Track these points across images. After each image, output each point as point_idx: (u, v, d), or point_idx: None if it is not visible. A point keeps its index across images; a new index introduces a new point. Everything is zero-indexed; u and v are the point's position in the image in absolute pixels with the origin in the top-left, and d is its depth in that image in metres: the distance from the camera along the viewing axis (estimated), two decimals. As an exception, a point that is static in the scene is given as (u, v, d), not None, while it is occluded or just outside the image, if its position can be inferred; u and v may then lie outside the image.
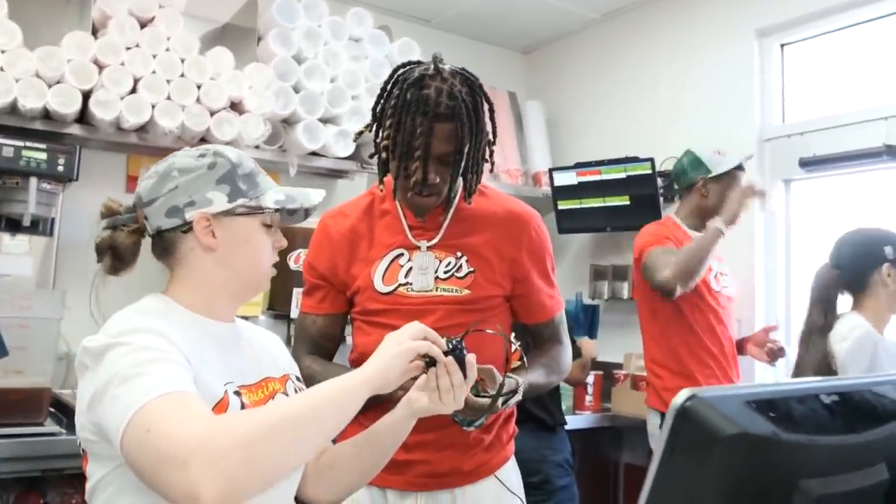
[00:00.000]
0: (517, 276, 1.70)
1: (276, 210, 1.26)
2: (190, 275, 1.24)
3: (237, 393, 1.19)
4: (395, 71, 1.61)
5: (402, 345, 1.18)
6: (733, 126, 3.54)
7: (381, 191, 1.71)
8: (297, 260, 3.21)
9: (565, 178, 3.98)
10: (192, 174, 1.22)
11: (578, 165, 3.95)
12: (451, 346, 1.39)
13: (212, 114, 3.04)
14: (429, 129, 1.51)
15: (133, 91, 2.92)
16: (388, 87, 1.60)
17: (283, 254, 3.25)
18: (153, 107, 2.93)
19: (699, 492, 0.75)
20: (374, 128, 1.65)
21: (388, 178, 1.66)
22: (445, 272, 1.66)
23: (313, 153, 3.38)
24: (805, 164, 3.27)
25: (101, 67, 2.88)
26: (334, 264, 1.71)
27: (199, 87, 3.01)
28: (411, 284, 1.65)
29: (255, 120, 3.11)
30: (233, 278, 1.25)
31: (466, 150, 1.56)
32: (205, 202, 1.21)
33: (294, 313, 3.22)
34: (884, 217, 3.19)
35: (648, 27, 3.98)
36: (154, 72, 2.95)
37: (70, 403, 2.38)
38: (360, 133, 1.74)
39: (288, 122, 3.33)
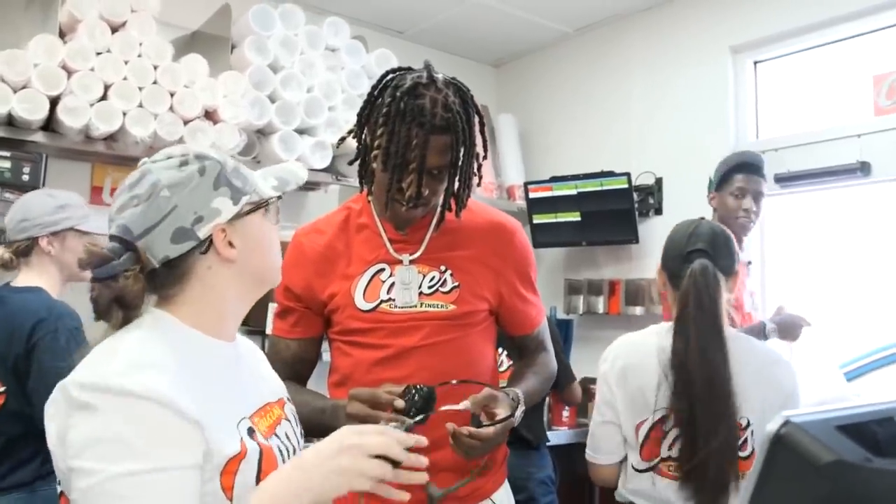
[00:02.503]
0: (503, 289, 1.65)
1: (279, 197, 1.18)
2: (205, 294, 1.11)
3: (251, 431, 1.09)
4: (383, 76, 1.54)
5: (349, 470, 0.99)
6: (708, 142, 3.58)
7: (367, 200, 1.63)
8: (273, 274, 3.11)
9: (540, 192, 3.97)
10: (186, 187, 1.08)
11: (553, 179, 3.94)
12: (410, 397, 1.33)
13: (185, 122, 2.94)
14: (424, 141, 1.44)
15: (103, 98, 2.81)
16: (377, 94, 1.53)
17: (258, 268, 3.14)
18: (124, 114, 2.82)
19: (794, 521, 0.72)
20: (359, 133, 1.57)
21: (372, 188, 1.59)
22: (430, 287, 1.59)
23: (287, 164, 3.29)
24: (780, 179, 3.31)
25: (69, 73, 2.76)
26: (310, 284, 1.61)
27: (172, 95, 2.92)
28: (394, 300, 1.57)
29: (229, 129, 3.02)
30: (251, 284, 1.16)
31: (459, 163, 1.51)
32: (213, 213, 1.08)
33: (270, 328, 3.12)
34: (854, 232, 3.25)
35: (622, 42, 4.00)
36: (125, 78, 2.84)
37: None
38: (343, 139, 1.66)
39: (263, 132, 3.24)
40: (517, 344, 1.76)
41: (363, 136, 1.56)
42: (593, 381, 3.70)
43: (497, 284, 1.64)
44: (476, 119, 1.54)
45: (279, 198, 1.18)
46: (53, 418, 0.99)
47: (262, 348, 3.50)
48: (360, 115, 1.57)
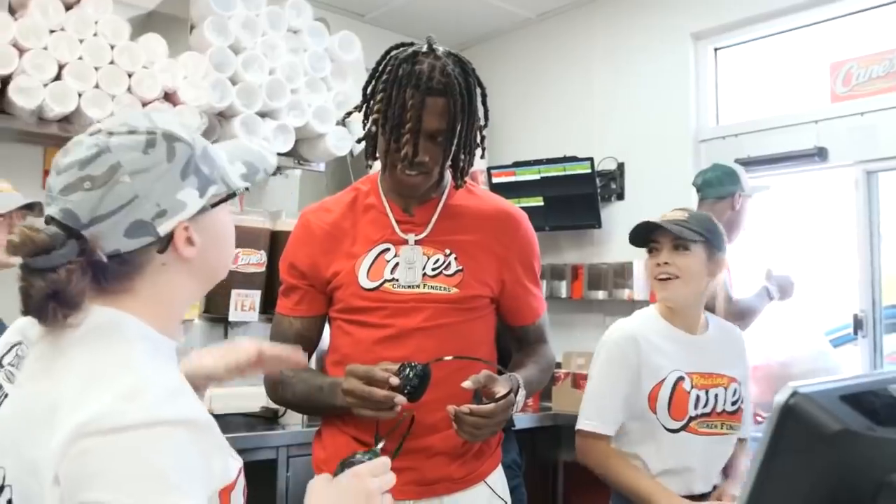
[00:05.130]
0: (506, 276, 1.65)
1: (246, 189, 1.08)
2: (156, 292, 0.97)
3: None
4: (387, 52, 1.56)
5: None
6: (669, 127, 3.62)
7: (377, 181, 1.65)
8: (236, 260, 3.07)
9: (503, 177, 3.97)
10: (150, 174, 0.93)
11: (516, 164, 3.95)
12: (405, 375, 1.36)
13: (144, 104, 2.86)
14: (420, 102, 1.46)
15: (57, 78, 2.72)
16: (381, 68, 1.55)
17: (221, 253, 3.09)
18: (80, 95, 2.73)
19: (802, 488, 0.73)
20: (365, 109, 1.59)
21: (375, 175, 1.62)
22: (434, 269, 1.59)
23: (249, 148, 3.23)
24: (740, 165, 3.36)
25: (21, 51, 2.66)
26: (315, 261, 1.62)
27: (130, 76, 2.83)
28: (397, 280, 1.57)
29: (190, 112, 2.95)
30: (204, 281, 1.05)
31: (458, 129, 1.52)
32: (178, 207, 0.94)
33: (232, 316, 3.08)
34: (811, 216, 3.34)
35: (585, 29, 4.01)
36: (81, 58, 2.75)
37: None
38: (349, 114, 1.67)
39: (224, 115, 3.17)
40: (517, 335, 1.75)
41: (368, 111, 1.58)
42: (557, 364, 3.76)
43: (500, 272, 1.64)
44: (478, 91, 1.55)
45: (247, 189, 1.07)
46: (51, 459, 0.84)
47: (225, 336, 3.45)
48: (364, 89, 1.59)
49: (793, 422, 0.71)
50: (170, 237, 0.95)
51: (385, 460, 1.07)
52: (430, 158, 1.51)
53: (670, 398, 1.85)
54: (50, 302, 0.88)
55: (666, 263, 1.89)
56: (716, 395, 1.88)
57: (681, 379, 1.87)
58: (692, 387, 1.87)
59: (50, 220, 0.93)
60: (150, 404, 0.85)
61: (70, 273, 0.88)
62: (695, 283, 1.90)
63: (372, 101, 1.56)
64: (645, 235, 1.93)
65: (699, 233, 1.87)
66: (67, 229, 0.91)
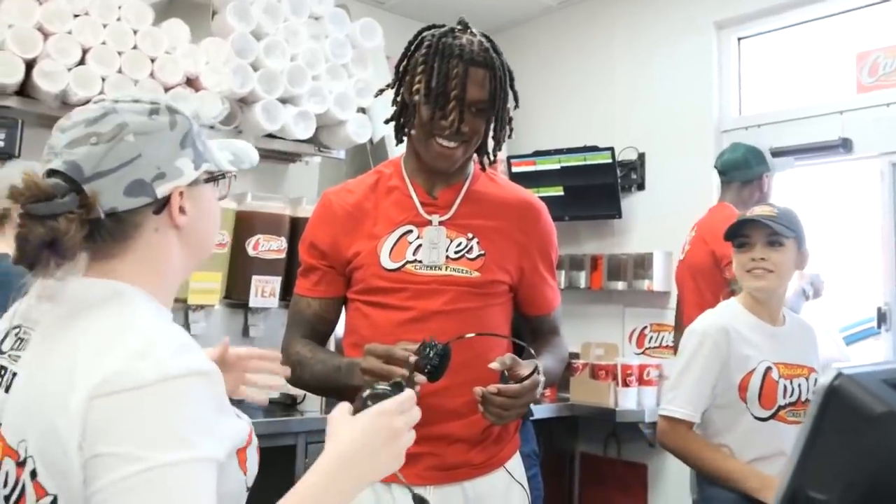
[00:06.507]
0: (524, 264, 1.66)
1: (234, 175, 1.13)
2: (150, 258, 1.00)
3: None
4: (419, 32, 1.58)
5: (399, 452, 1.03)
6: (691, 117, 3.59)
7: (400, 164, 1.66)
8: (256, 246, 3.08)
9: (523, 167, 3.95)
10: (153, 137, 0.98)
11: (537, 154, 3.93)
12: (426, 354, 1.34)
13: (166, 89, 2.86)
14: (464, 71, 1.49)
15: (81, 62, 2.73)
16: (414, 47, 1.57)
17: (242, 240, 3.11)
18: (103, 80, 2.74)
19: (844, 468, 0.72)
20: (396, 88, 1.60)
21: (398, 157, 1.63)
22: (456, 252, 1.60)
23: (269, 135, 3.24)
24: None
25: (45, 35, 2.67)
26: (336, 241, 1.63)
27: (152, 61, 2.84)
28: (420, 261, 1.58)
29: (212, 98, 2.95)
30: (192, 255, 1.08)
31: (496, 103, 1.54)
32: (175, 173, 0.99)
33: (252, 302, 3.09)
34: (835, 208, 3.30)
35: (607, 17, 3.99)
36: (104, 42, 2.76)
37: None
38: (382, 91, 1.68)
39: (245, 101, 3.17)
40: (532, 325, 1.76)
41: (400, 91, 1.60)
42: (574, 355, 3.75)
43: (519, 259, 1.65)
44: (508, 73, 1.58)
45: (234, 175, 1.12)
46: (71, 423, 0.86)
47: (245, 323, 3.46)
48: (397, 67, 1.61)
49: (837, 403, 0.71)
50: (165, 202, 0.99)
51: (411, 394, 1.07)
52: (471, 129, 1.53)
53: (760, 388, 1.89)
54: (45, 250, 0.90)
55: (762, 259, 1.93)
56: (799, 385, 1.93)
57: (769, 369, 1.92)
58: (780, 376, 1.91)
59: (52, 174, 0.95)
60: (162, 360, 0.87)
61: (69, 222, 0.90)
62: (786, 277, 1.96)
63: (407, 77, 1.57)
64: (736, 231, 1.98)
65: (791, 228, 1.94)
66: (70, 181, 0.93)
